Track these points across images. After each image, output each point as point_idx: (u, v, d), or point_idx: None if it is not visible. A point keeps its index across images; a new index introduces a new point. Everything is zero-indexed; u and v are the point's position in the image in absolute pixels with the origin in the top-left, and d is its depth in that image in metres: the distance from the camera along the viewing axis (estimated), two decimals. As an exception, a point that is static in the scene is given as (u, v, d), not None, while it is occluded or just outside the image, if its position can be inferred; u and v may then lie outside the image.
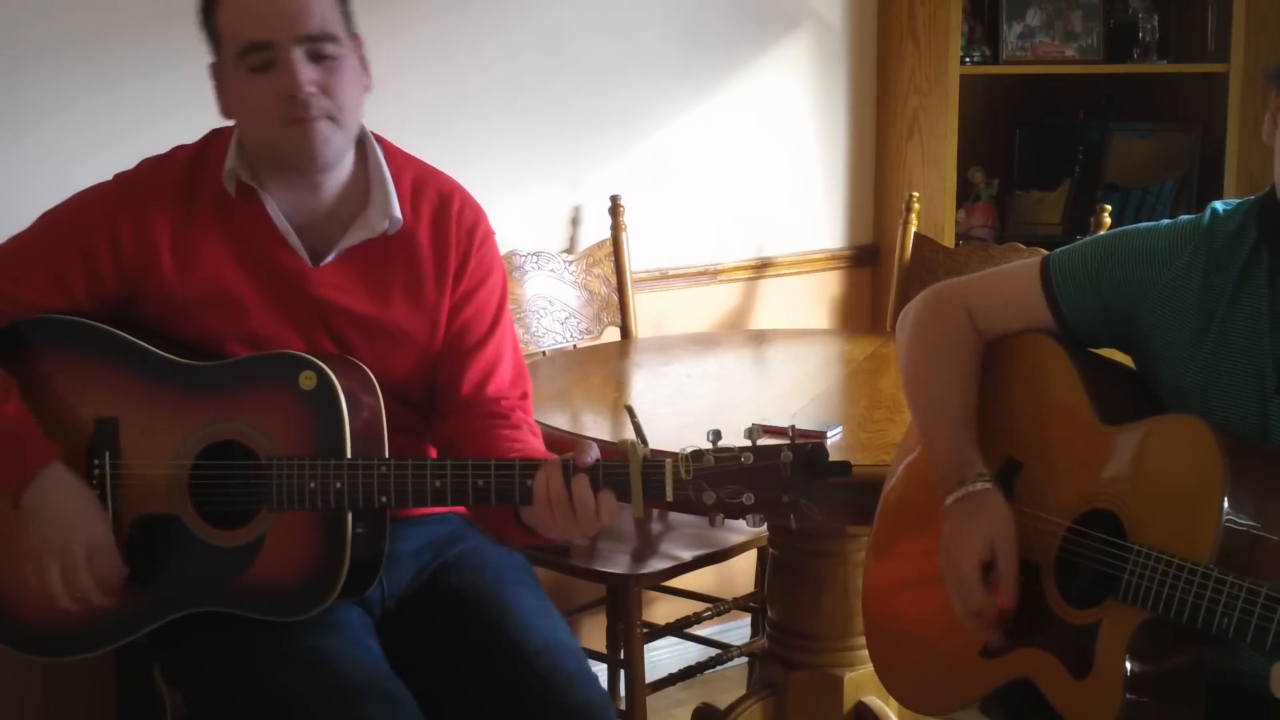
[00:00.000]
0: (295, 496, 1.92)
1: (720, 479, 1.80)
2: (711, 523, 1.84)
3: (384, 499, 1.91)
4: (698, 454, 1.80)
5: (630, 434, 1.84)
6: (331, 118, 1.98)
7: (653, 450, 1.83)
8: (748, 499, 1.79)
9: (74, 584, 1.94)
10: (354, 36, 2.04)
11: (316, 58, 1.96)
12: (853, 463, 2.23)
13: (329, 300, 2.05)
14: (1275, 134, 1.75)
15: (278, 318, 2.04)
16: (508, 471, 1.88)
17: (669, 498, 1.82)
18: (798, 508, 1.79)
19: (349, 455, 1.93)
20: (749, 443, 1.80)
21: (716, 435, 1.82)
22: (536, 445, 2.09)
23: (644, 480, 1.82)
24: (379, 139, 2.13)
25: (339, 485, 1.91)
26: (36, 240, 2.07)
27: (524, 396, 2.17)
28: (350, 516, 1.93)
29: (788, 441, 1.80)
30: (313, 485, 1.91)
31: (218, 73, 2.03)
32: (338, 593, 1.94)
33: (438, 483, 1.89)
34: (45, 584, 1.95)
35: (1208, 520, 1.64)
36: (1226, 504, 1.64)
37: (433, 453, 2.19)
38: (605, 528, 1.87)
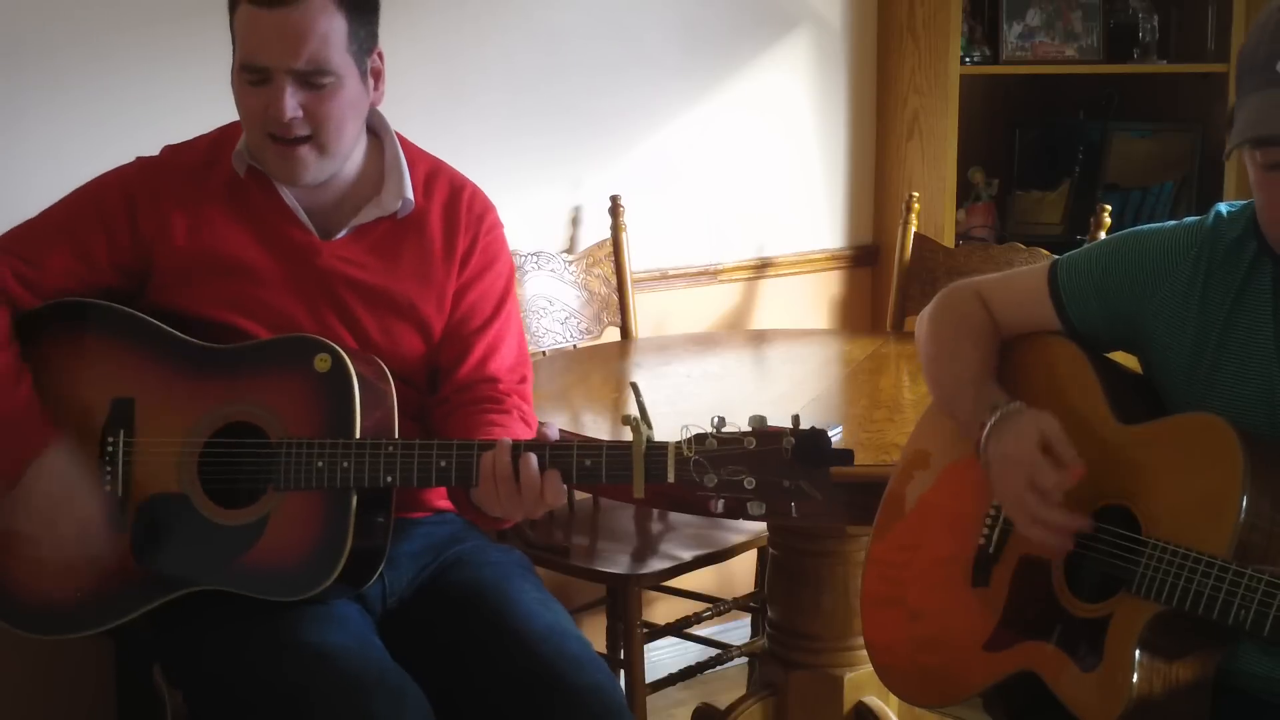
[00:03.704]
0: (302, 476, 1.94)
1: (722, 461, 1.80)
2: (711, 509, 1.84)
3: (389, 479, 1.93)
4: (700, 436, 1.81)
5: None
6: (315, 143, 2.04)
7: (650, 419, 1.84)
8: (749, 482, 1.80)
9: (66, 559, 1.98)
10: (371, 54, 2.08)
11: (308, 85, 2.01)
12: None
13: (337, 271, 2.10)
14: (1262, 180, 1.73)
15: (285, 289, 2.09)
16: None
17: (670, 478, 1.82)
18: (799, 494, 1.79)
19: (358, 436, 1.95)
20: (751, 429, 1.81)
21: (721, 421, 1.83)
22: (520, 432, 2.10)
23: (646, 460, 1.83)
24: (398, 135, 2.19)
25: (346, 465, 1.93)
26: (62, 212, 2.15)
27: (522, 381, 2.20)
28: (354, 500, 1.94)
29: (790, 428, 1.80)
30: (320, 465, 1.93)
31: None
32: (336, 575, 1.95)
33: (443, 462, 1.91)
34: (39, 561, 1.98)
35: (1228, 514, 1.65)
36: (1246, 500, 1.64)
37: None
38: (550, 509, 1.91)
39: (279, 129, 2.02)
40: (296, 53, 1.99)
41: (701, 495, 1.82)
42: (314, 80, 2.01)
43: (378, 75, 2.12)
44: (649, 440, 1.83)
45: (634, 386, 1.87)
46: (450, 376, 2.16)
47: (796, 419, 1.82)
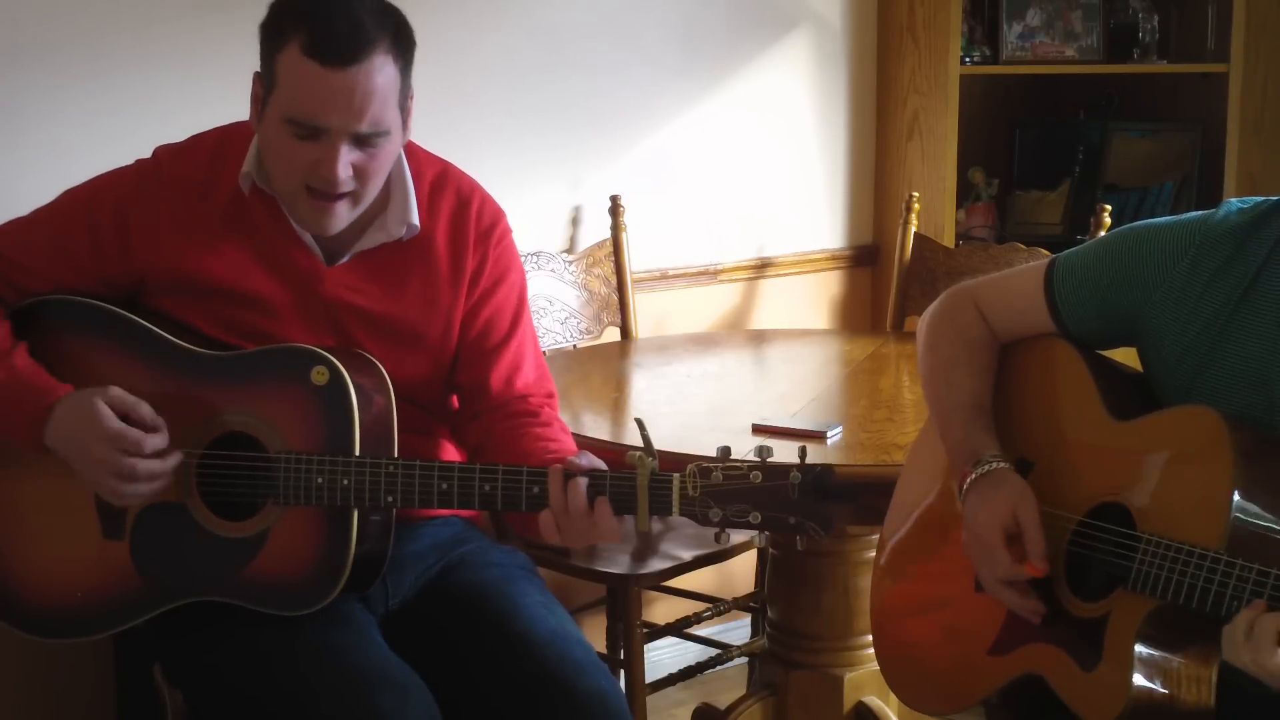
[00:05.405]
0: (302, 492, 1.93)
1: (727, 497, 1.80)
2: (716, 538, 1.84)
3: (390, 499, 1.91)
4: (705, 471, 1.80)
5: (640, 444, 1.83)
6: (353, 196, 1.97)
7: (656, 452, 1.83)
8: (754, 518, 1.80)
9: (122, 472, 1.92)
10: (409, 99, 2.00)
11: (363, 144, 1.94)
12: (852, 463, 2.26)
13: (340, 299, 2.06)
14: None
15: (288, 315, 2.05)
16: (514, 478, 1.88)
17: (675, 513, 1.82)
18: (803, 529, 1.79)
19: (357, 452, 1.93)
20: (758, 459, 1.80)
21: (726, 451, 1.82)
22: (569, 443, 2.10)
23: (650, 495, 1.82)
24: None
25: (346, 483, 1.91)
26: (52, 213, 2.10)
27: (550, 395, 2.18)
28: (356, 514, 1.93)
29: (797, 462, 1.79)
30: (320, 481, 1.92)
31: (260, 89, 1.98)
32: (340, 589, 1.94)
33: (444, 485, 1.90)
34: (111, 488, 1.94)
35: (1219, 507, 1.65)
36: (1237, 491, 1.64)
37: (447, 452, 2.19)
38: (607, 541, 1.87)
39: (325, 186, 1.94)
40: (360, 115, 1.90)
41: (707, 528, 1.82)
42: (370, 140, 1.93)
43: (408, 114, 2.02)
44: (654, 474, 1.82)
45: (639, 422, 1.85)
46: (479, 393, 2.13)
47: (803, 450, 1.82)
